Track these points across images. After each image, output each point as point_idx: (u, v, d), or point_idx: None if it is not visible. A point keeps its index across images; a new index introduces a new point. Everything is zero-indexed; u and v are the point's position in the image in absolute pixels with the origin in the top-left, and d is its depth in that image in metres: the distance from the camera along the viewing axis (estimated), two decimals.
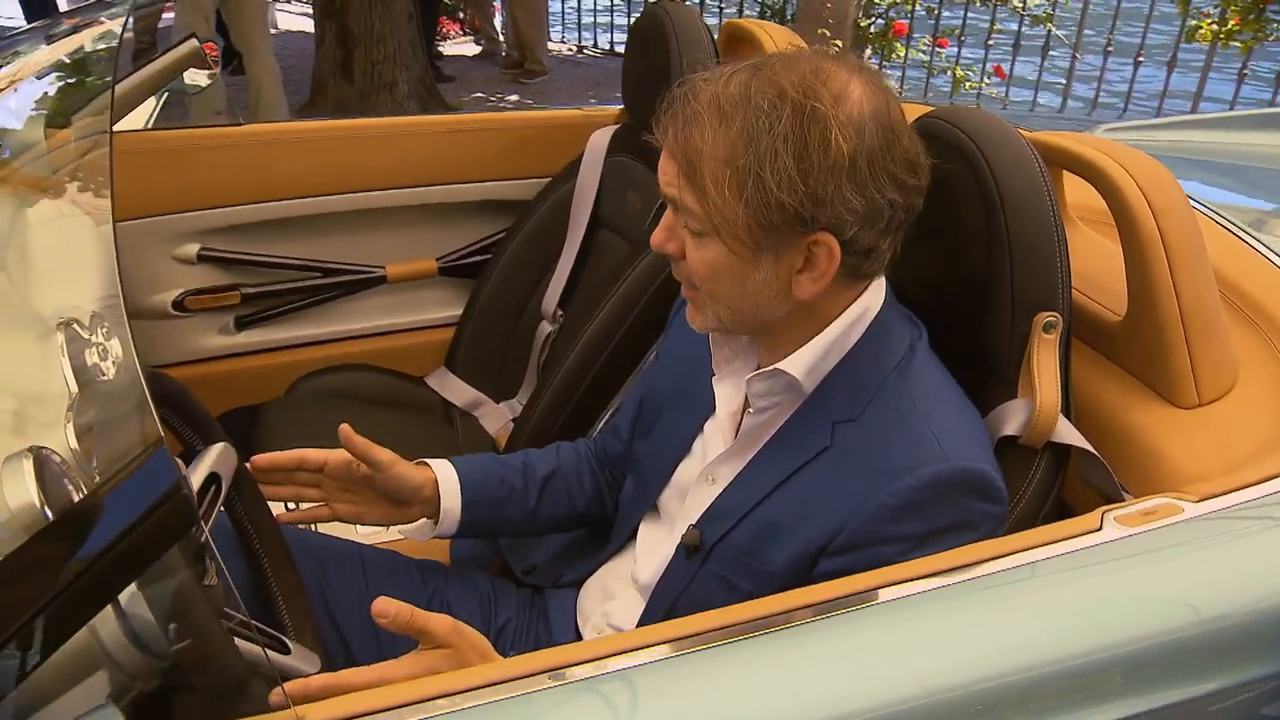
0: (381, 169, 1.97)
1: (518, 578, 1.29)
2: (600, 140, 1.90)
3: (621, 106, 1.94)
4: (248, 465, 1.11)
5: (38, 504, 0.74)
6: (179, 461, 0.82)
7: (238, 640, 0.97)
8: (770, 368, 0.96)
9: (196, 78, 1.92)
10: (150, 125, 2.02)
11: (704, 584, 1.00)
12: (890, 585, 0.81)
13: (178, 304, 1.91)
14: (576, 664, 0.73)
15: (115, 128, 1.77)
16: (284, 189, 1.91)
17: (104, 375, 1.34)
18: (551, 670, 0.72)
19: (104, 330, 1.38)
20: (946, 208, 0.99)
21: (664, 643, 0.75)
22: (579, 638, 1.16)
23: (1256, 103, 5.00)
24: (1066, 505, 1.07)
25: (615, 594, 1.15)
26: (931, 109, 1.07)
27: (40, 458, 0.79)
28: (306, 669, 1.04)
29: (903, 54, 5.47)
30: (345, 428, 1.09)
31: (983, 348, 1.04)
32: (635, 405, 1.24)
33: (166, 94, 2.01)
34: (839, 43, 5.02)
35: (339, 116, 4.66)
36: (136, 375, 0.73)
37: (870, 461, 0.91)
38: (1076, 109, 5.33)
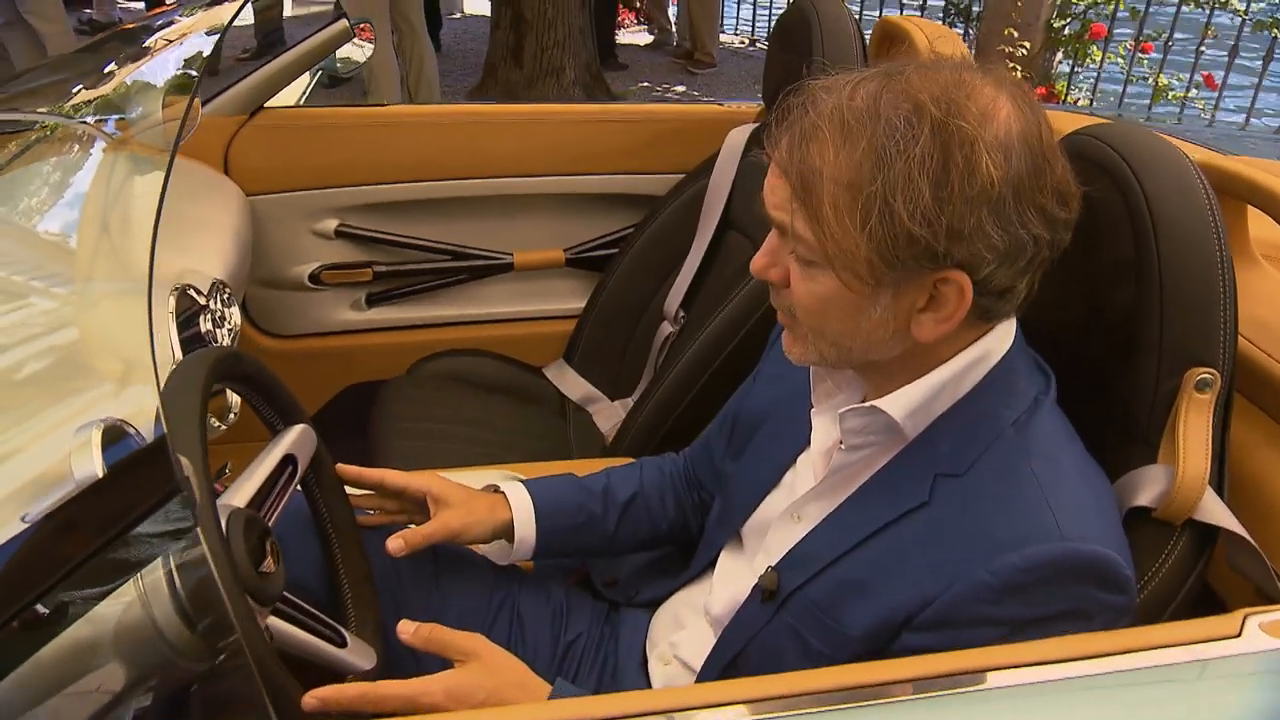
0: (516, 156, 1.96)
1: (596, 589, 1.24)
2: (738, 138, 1.82)
3: (763, 104, 1.85)
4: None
5: (100, 475, 0.75)
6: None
7: (296, 629, 0.96)
8: (867, 404, 0.86)
9: (351, 55, 1.97)
10: (303, 102, 2.08)
11: (776, 633, 0.92)
12: (999, 669, 0.70)
13: (314, 277, 1.97)
14: (640, 715, 0.67)
15: (269, 103, 1.84)
16: (421, 171, 1.93)
17: (215, 342, 1.37)
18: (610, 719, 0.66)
19: (222, 299, 1.41)
20: (1088, 234, 0.86)
21: (740, 702, 0.68)
22: (644, 663, 1.10)
23: None
24: (1211, 590, 0.92)
25: (686, 623, 1.09)
26: (1085, 124, 0.93)
27: (112, 429, 0.81)
28: (361, 664, 1.02)
29: (1098, 59, 5.07)
30: (401, 537, 1.06)
31: (1120, 401, 0.90)
32: (730, 423, 1.16)
33: (319, 72, 2.07)
34: (1026, 45, 4.71)
35: (506, 101, 4.75)
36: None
37: (973, 528, 0.79)
38: None
